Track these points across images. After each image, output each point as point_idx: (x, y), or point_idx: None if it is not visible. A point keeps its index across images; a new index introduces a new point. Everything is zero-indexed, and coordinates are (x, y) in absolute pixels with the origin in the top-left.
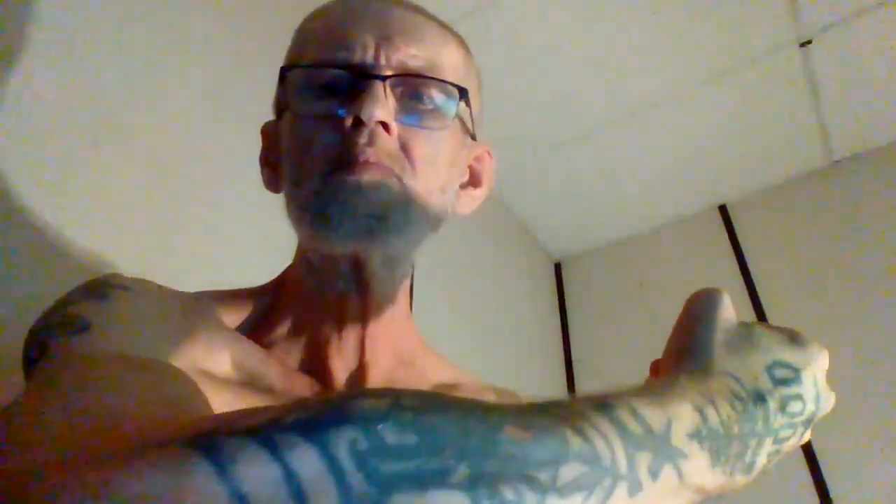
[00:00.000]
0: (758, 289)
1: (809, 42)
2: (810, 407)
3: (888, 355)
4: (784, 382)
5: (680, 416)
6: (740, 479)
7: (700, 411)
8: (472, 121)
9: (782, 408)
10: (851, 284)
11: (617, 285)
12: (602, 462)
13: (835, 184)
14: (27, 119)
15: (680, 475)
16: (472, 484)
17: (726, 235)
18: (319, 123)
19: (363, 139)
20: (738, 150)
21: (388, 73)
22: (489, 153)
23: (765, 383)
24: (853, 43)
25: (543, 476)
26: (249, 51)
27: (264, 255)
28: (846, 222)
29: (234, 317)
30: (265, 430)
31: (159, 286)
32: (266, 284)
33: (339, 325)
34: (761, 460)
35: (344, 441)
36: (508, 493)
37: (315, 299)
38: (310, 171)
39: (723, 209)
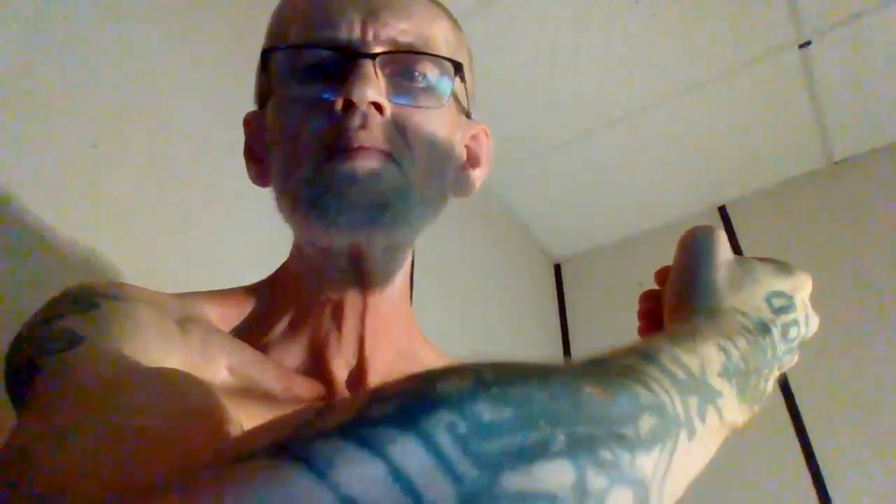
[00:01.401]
0: None
1: (809, 43)
2: (803, 330)
3: (888, 355)
4: (782, 310)
5: (709, 357)
6: (756, 409)
7: (723, 350)
8: (467, 98)
9: (784, 335)
10: (851, 285)
11: (617, 286)
12: (667, 411)
13: (834, 185)
14: (27, 120)
15: (720, 414)
16: (571, 450)
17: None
18: (307, 108)
19: (356, 123)
20: (738, 151)
21: (378, 50)
22: (486, 132)
23: (767, 314)
24: (853, 44)
25: (628, 431)
26: (249, 51)
27: (265, 254)
28: (845, 223)
29: (228, 318)
30: (355, 427)
31: (146, 290)
32: (260, 282)
33: (338, 320)
34: (770, 387)
35: (443, 426)
36: (606, 454)
37: (313, 294)
38: (300, 159)
39: (722, 210)
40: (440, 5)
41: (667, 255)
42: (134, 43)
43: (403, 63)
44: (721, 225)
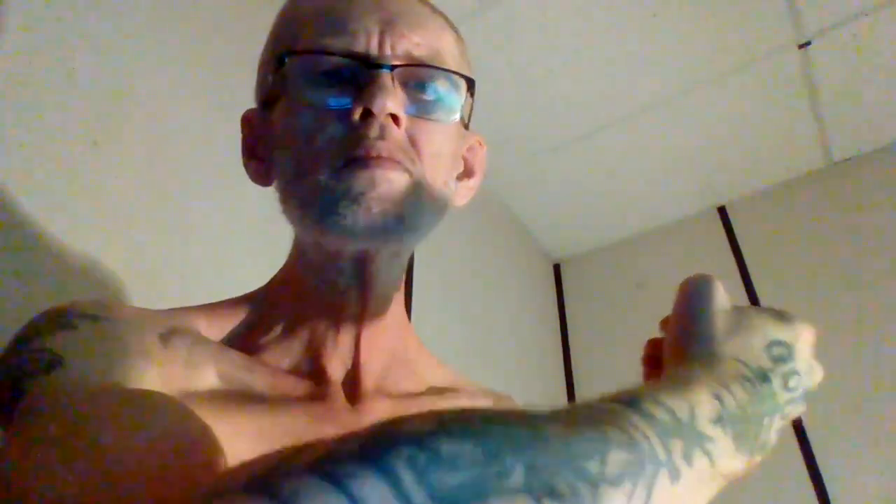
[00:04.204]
0: (756, 290)
1: (808, 44)
2: (805, 380)
3: (887, 355)
4: (782, 359)
5: (700, 402)
6: (757, 459)
7: (718, 397)
8: (470, 110)
9: (785, 384)
10: (850, 286)
11: (616, 286)
12: (642, 449)
13: (833, 185)
14: (27, 120)
15: (711, 460)
16: (529, 484)
17: (725, 237)
18: (323, 114)
19: (374, 132)
20: (737, 151)
21: (396, 62)
22: (480, 143)
23: (766, 363)
24: (852, 45)
25: (593, 466)
26: (249, 51)
27: (265, 254)
28: (845, 224)
29: (219, 328)
30: (322, 464)
31: (128, 307)
32: (253, 291)
33: (336, 323)
34: (773, 437)
35: (402, 459)
36: (563, 488)
37: (312, 298)
38: (315, 164)
39: (722, 210)
40: (444, 16)
41: (666, 257)
42: (134, 43)
43: (418, 76)
44: (721, 225)
